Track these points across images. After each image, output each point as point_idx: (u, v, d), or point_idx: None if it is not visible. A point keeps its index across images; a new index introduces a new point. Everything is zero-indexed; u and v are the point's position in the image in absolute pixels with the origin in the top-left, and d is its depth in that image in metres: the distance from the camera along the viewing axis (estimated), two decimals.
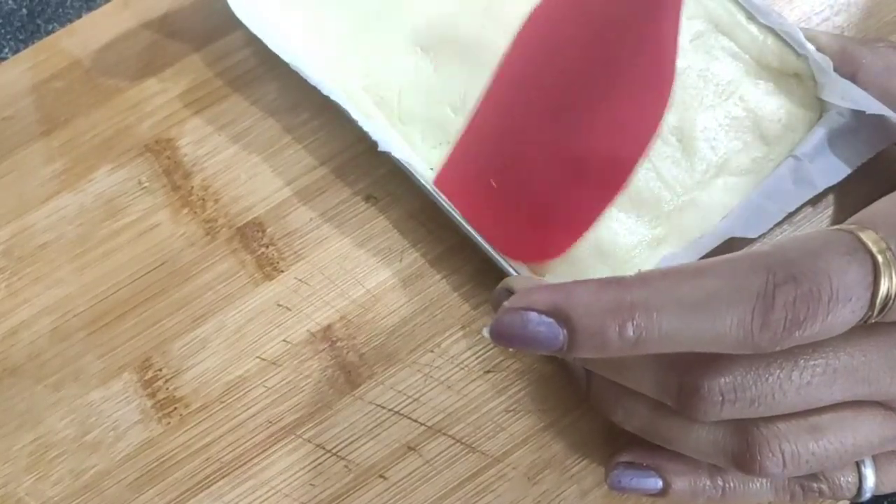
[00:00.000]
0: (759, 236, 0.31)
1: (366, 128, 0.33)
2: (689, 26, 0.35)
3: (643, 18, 0.29)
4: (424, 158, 0.34)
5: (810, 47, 0.33)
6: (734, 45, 0.34)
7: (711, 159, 0.33)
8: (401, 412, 0.32)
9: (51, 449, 0.32)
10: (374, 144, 0.33)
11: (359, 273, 0.34)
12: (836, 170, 0.32)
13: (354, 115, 0.34)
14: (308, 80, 0.34)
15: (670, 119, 0.33)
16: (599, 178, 0.30)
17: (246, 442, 0.32)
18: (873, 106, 0.31)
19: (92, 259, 0.35)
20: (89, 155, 0.37)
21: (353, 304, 0.34)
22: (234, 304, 0.34)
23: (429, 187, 0.33)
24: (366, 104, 0.35)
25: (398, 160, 0.33)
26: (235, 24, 0.35)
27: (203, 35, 0.38)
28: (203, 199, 0.36)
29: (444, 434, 0.32)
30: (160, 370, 0.33)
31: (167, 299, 0.34)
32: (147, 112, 0.37)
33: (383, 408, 0.32)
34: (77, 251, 0.35)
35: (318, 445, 0.32)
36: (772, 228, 0.31)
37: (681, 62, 0.34)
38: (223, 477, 0.32)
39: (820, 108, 0.33)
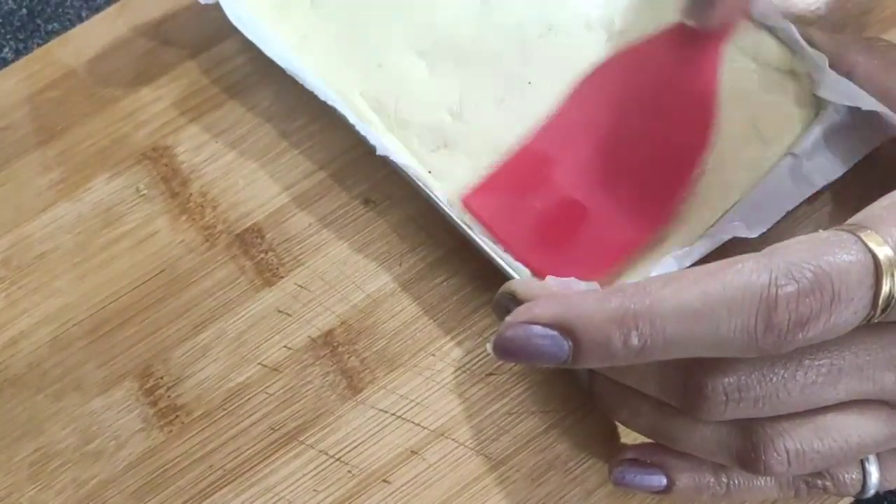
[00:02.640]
0: (759, 236, 0.31)
1: (363, 132, 0.33)
2: None
3: (685, 77, 0.33)
4: (422, 162, 0.34)
5: (805, 45, 0.33)
6: (730, 44, 0.34)
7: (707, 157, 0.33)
8: (403, 416, 0.32)
9: (53, 459, 0.32)
10: (371, 149, 0.33)
11: (359, 278, 0.34)
12: (833, 167, 0.32)
13: (352, 119, 0.34)
14: (305, 86, 0.34)
15: None
16: (644, 210, 0.33)
17: (248, 449, 0.32)
18: (868, 102, 0.31)
19: (91, 268, 0.35)
20: (86, 164, 0.37)
21: (354, 308, 0.34)
22: (235, 311, 0.34)
23: (427, 190, 0.33)
24: (363, 109, 0.35)
25: (396, 164, 0.33)
26: (229, 31, 0.35)
27: (198, 42, 0.38)
28: (201, 206, 0.36)
29: (447, 437, 0.32)
30: (161, 378, 0.33)
31: (167, 307, 0.34)
32: (143, 120, 0.37)
33: (385, 412, 0.32)
34: (76, 260, 0.35)
35: (321, 451, 0.32)
36: (771, 227, 0.31)
37: None
38: (226, 485, 0.32)
39: (816, 105, 0.33)
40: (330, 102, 0.34)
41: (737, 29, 0.34)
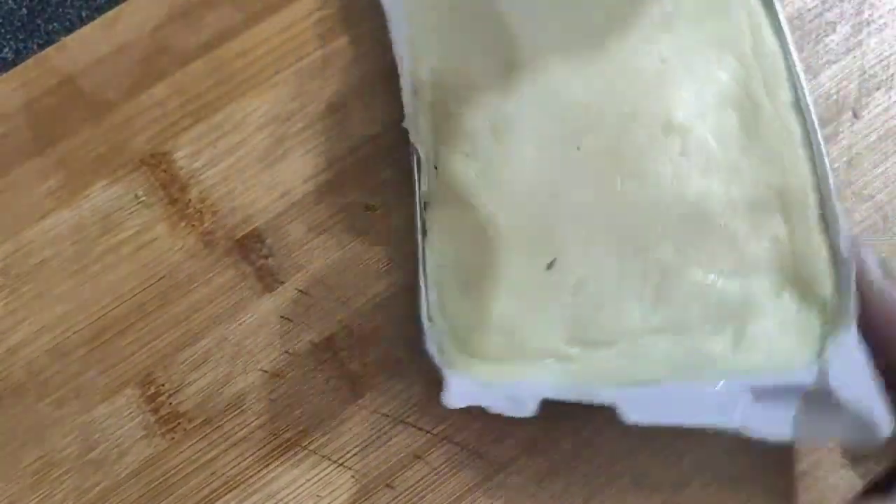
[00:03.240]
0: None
1: (405, 99, 0.33)
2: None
3: None
4: (434, 151, 0.33)
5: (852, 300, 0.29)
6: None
7: None
8: (406, 420, 0.32)
9: (55, 467, 0.32)
10: (399, 119, 0.33)
11: (359, 282, 0.34)
12: (781, 429, 0.28)
13: (403, 83, 0.33)
14: (391, 24, 0.33)
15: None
16: None
17: (251, 455, 0.32)
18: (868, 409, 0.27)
19: (90, 275, 0.35)
20: (84, 171, 0.36)
21: (355, 313, 0.34)
22: (235, 317, 0.34)
23: (419, 190, 0.33)
24: (423, 82, 0.34)
25: (412, 146, 0.33)
26: (226, 35, 0.35)
27: (194, 48, 0.38)
28: (201, 212, 0.35)
29: (450, 441, 0.32)
30: (163, 385, 0.33)
31: (167, 313, 0.34)
32: (141, 126, 0.37)
33: (388, 416, 0.32)
34: (75, 267, 0.35)
35: (323, 456, 0.32)
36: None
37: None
38: (229, 491, 0.32)
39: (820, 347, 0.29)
40: (399, 55, 0.33)
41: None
